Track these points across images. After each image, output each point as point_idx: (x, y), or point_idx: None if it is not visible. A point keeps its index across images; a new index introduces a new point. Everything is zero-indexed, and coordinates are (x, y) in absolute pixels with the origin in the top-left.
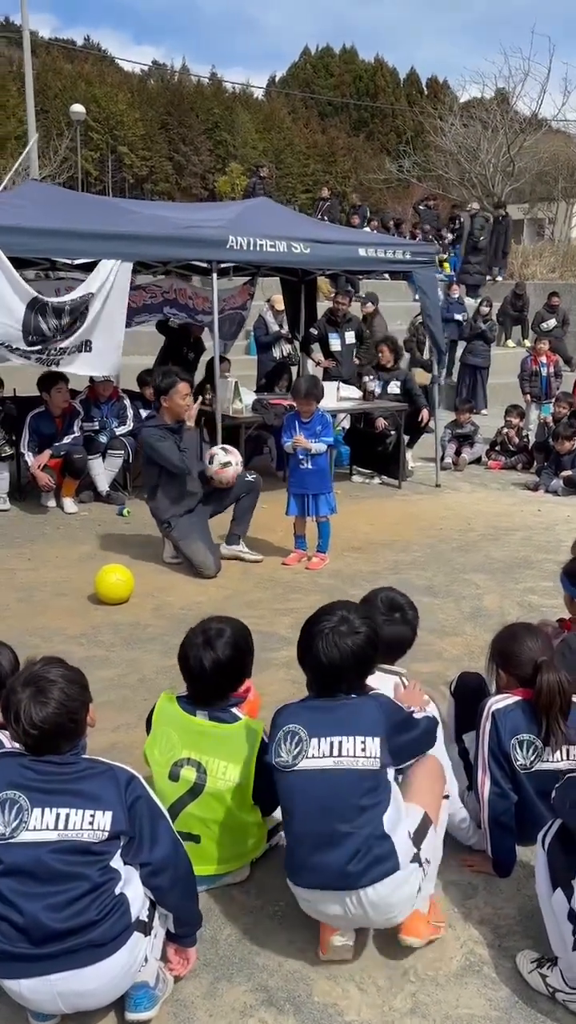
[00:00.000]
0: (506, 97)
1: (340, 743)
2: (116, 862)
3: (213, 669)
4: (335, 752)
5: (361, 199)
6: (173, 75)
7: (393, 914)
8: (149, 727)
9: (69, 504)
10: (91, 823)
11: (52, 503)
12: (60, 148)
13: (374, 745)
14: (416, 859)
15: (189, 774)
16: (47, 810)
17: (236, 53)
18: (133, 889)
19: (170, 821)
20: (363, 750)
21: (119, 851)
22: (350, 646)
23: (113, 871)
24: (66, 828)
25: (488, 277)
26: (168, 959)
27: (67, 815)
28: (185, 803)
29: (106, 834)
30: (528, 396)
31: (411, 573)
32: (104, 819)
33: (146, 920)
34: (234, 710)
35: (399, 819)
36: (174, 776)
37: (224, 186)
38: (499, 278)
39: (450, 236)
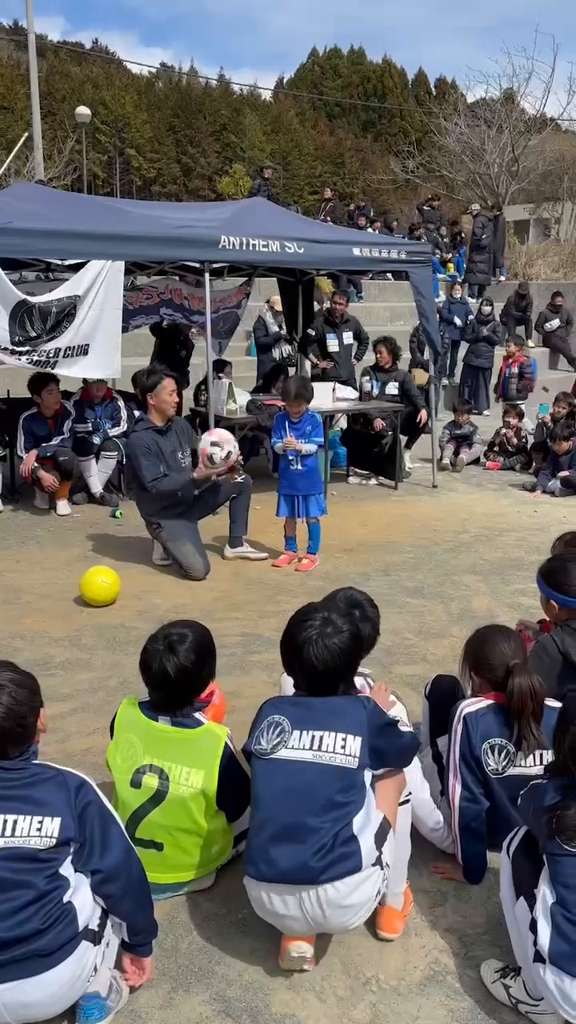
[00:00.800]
0: (511, 96)
1: (321, 738)
2: (66, 869)
3: (177, 676)
4: (315, 746)
5: (366, 200)
6: (181, 77)
7: (349, 917)
8: (112, 733)
9: (62, 506)
10: (39, 829)
11: (46, 505)
12: (66, 150)
13: (355, 744)
14: (378, 862)
15: (151, 781)
16: None
17: (244, 55)
18: (82, 897)
19: (122, 827)
20: (343, 747)
21: (69, 858)
22: (339, 645)
23: (61, 879)
24: (12, 834)
25: (494, 277)
26: (124, 969)
27: (14, 821)
28: (148, 810)
29: (54, 841)
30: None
31: (402, 574)
32: (52, 825)
33: (96, 929)
34: (197, 715)
35: (368, 823)
36: (136, 783)
37: (228, 187)
38: (502, 277)
39: (447, 240)
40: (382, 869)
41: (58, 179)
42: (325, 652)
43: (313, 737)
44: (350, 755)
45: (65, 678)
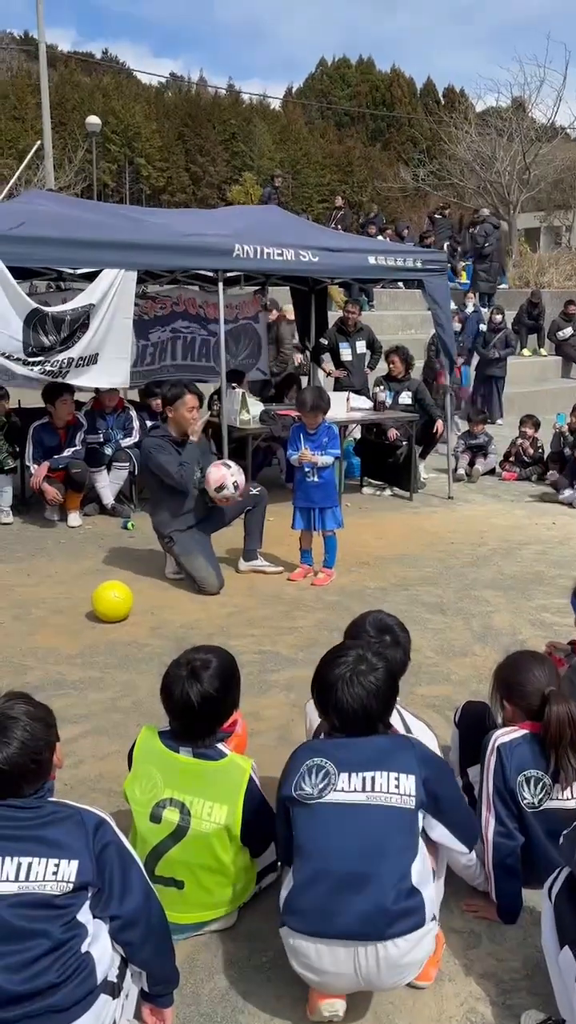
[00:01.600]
0: (522, 105)
1: (373, 778)
2: (84, 915)
3: (201, 704)
4: (368, 787)
5: (378, 210)
6: (190, 87)
7: (403, 976)
8: (131, 763)
9: (73, 518)
10: (55, 873)
11: (56, 517)
12: (76, 159)
13: (408, 783)
14: (434, 916)
15: (172, 815)
16: (7, 859)
17: (253, 65)
18: (100, 947)
19: (142, 868)
20: (397, 787)
21: (87, 903)
22: (375, 683)
23: (79, 926)
24: (27, 879)
25: (503, 285)
26: (143, 1020)
27: (29, 864)
28: (168, 847)
29: (71, 886)
30: None
31: (420, 589)
32: (69, 869)
33: (115, 981)
34: (220, 746)
35: (427, 872)
36: (156, 817)
37: (238, 195)
38: (503, 285)
39: (459, 248)
40: (436, 921)
41: (68, 188)
42: (360, 690)
43: (364, 779)
44: (405, 795)
45: (78, 698)
